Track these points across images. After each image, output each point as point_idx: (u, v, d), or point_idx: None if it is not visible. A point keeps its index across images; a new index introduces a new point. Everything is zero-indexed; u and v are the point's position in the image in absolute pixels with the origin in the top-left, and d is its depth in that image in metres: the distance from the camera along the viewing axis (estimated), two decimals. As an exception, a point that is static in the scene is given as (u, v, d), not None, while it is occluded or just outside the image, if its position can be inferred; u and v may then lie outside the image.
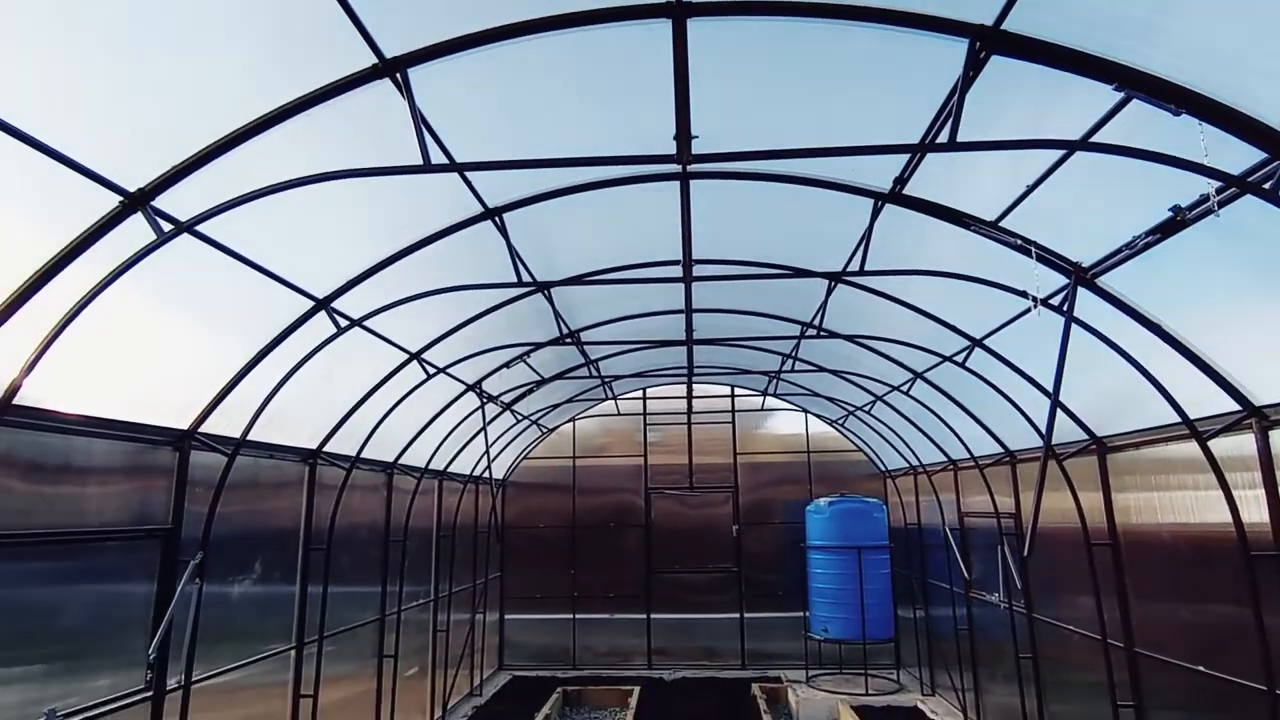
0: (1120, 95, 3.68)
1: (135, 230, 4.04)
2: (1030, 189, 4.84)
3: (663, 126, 4.26)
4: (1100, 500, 7.42)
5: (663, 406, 16.10)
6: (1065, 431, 7.43)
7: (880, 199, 5.64)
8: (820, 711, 12.12)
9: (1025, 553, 5.14)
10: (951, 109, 3.83)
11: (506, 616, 15.52)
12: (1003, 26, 3.57)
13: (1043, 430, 5.21)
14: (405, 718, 10.41)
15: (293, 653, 7.62)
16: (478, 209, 5.84)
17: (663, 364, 12.95)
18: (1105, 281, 5.36)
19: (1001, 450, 9.32)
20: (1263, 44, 3.19)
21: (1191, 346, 5.22)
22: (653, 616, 15.32)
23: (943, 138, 3.94)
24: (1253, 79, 3.35)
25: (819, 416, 15.65)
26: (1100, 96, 3.77)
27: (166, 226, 4.17)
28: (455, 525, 12.73)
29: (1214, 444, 5.70)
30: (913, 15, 3.68)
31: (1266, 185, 3.65)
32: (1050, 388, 5.11)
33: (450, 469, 12.12)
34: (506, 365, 9.77)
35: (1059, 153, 4.43)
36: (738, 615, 15.23)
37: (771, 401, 15.69)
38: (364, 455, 8.79)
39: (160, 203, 4.07)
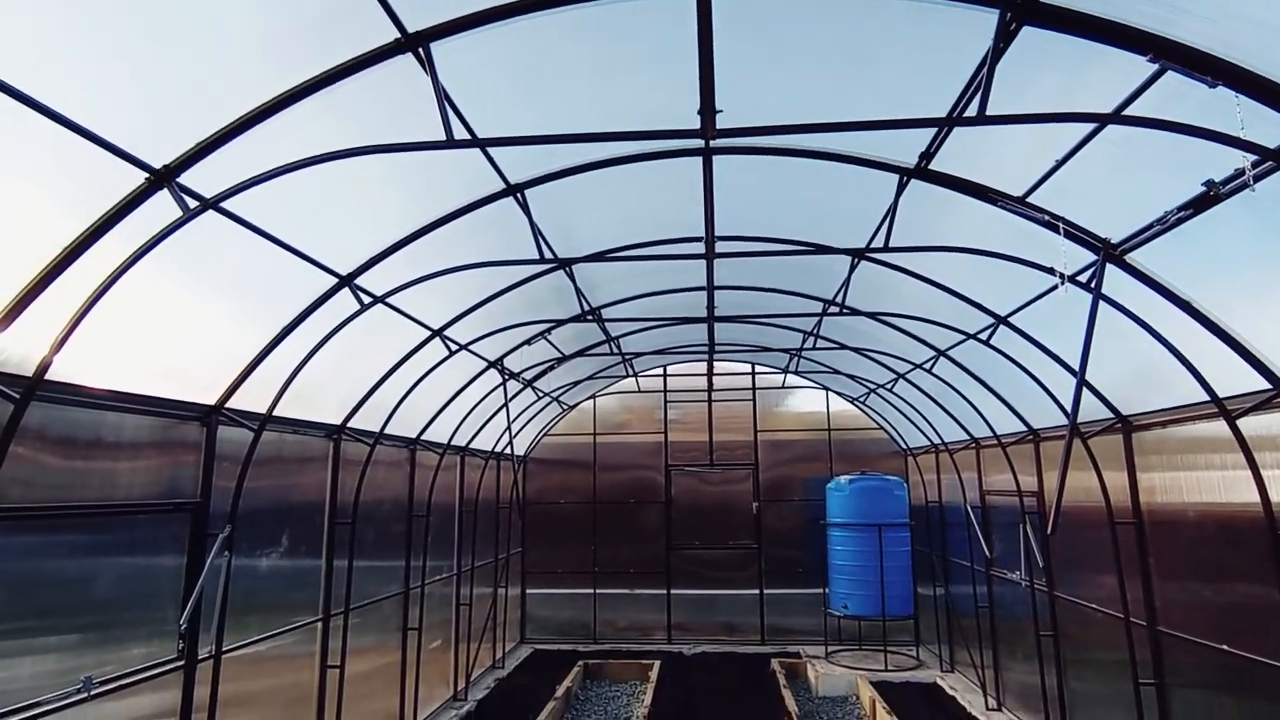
0: (1154, 67, 3.59)
1: (161, 207, 4.07)
2: (1060, 164, 4.76)
3: (686, 101, 4.21)
4: (1124, 479, 7.36)
5: (683, 384, 16.09)
6: (1090, 410, 7.36)
7: (906, 174, 5.57)
8: (839, 686, 12.20)
9: (1049, 531, 5.11)
10: (981, 81, 3.76)
11: (528, 591, 15.69)
12: (1035, -3, 3.49)
13: (1067, 409, 5.17)
14: (429, 689, 10.59)
15: (319, 624, 7.76)
16: (500, 185, 5.83)
17: (684, 341, 12.93)
18: (1134, 258, 5.28)
19: (1025, 428, 9.25)
20: (1304, 12, 3.10)
21: (1222, 324, 5.13)
22: (673, 592, 15.44)
23: (971, 111, 3.88)
24: (1292, 49, 3.26)
25: (840, 394, 15.60)
26: (1132, 69, 3.68)
27: (192, 203, 4.20)
28: (477, 501, 12.85)
29: (1242, 423, 5.62)
30: (942, -15, 3.61)
31: (1304, 158, 3.57)
32: (1076, 365, 5.05)
33: (472, 445, 12.22)
34: (527, 342, 9.80)
35: (1089, 127, 4.35)
36: (757, 591, 15.31)
37: (792, 379, 15.65)
38: (387, 431, 8.87)
39: (185, 179, 4.09)
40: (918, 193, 5.71)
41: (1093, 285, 5.10)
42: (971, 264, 6.57)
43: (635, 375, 15.54)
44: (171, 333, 5.23)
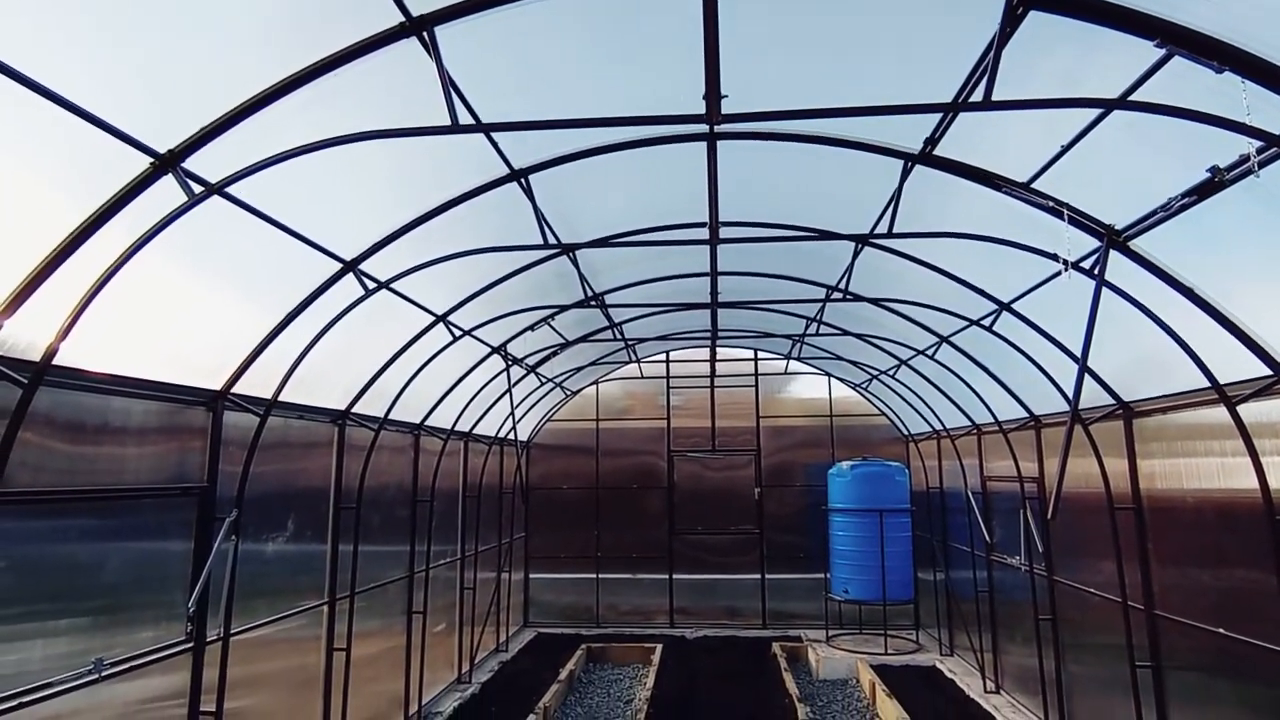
0: (1161, 52, 3.58)
1: (165, 193, 4.07)
2: (1065, 149, 4.75)
3: (691, 86, 4.21)
4: (1124, 465, 7.39)
5: (686, 370, 16.13)
6: (1091, 396, 7.37)
7: (910, 160, 5.56)
8: (840, 670, 12.30)
9: (1050, 516, 5.14)
10: (986, 67, 3.75)
11: (531, 575, 15.79)
12: (1042, -19, 3.48)
13: (1068, 394, 5.19)
14: (434, 672, 10.68)
15: (325, 608, 7.83)
16: (503, 170, 5.83)
17: (686, 327, 12.94)
18: (1138, 244, 5.27)
19: (1026, 414, 9.27)
20: (1311, -3, 3.09)
21: (1223, 310, 5.14)
22: (675, 577, 15.53)
23: (976, 96, 3.87)
24: (1299, 34, 3.25)
25: (842, 380, 15.63)
26: (1138, 53, 3.67)
27: (197, 188, 4.20)
28: (481, 486, 12.91)
29: (1243, 409, 5.63)
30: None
31: (1310, 144, 3.57)
32: (1078, 352, 5.06)
33: (476, 431, 12.26)
34: (531, 328, 9.81)
35: (1094, 112, 4.34)
36: (759, 576, 15.40)
37: (795, 365, 15.67)
38: (392, 417, 8.91)
39: (190, 165, 4.09)
40: (922, 178, 5.70)
41: (1096, 271, 5.10)
42: (975, 250, 6.57)
43: (638, 361, 15.56)
44: (177, 318, 5.25)
